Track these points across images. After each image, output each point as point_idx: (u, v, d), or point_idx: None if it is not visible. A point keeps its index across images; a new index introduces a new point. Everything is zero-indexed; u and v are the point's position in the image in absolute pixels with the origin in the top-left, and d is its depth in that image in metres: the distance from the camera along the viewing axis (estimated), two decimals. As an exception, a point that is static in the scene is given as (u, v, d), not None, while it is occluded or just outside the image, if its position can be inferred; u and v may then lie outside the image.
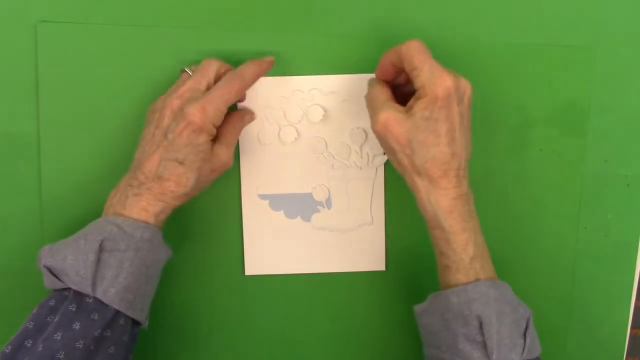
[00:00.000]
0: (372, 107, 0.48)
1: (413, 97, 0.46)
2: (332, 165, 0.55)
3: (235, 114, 0.52)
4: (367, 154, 0.55)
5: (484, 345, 0.44)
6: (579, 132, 0.56)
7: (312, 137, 0.55)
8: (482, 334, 0.44)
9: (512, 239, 0.57)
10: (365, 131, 0.55)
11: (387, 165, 0.55)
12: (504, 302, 0.46)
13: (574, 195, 0.56)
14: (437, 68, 0.45)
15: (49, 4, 0.53)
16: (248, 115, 0.54)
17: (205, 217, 0.56)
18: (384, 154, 0.55)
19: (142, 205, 0.48)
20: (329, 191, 0.56)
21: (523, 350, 0.45)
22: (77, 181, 0.55)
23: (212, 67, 0.50)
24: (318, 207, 0.56)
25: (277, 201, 0.56)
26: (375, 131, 0.47)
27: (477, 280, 0.46)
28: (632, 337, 0.59)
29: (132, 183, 0.49)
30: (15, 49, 0.53)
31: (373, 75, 0.52)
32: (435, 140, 0.45)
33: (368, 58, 0.54)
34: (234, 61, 0.53)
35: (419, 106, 0.45)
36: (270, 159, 0.55)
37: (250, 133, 0.55)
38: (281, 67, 0.54)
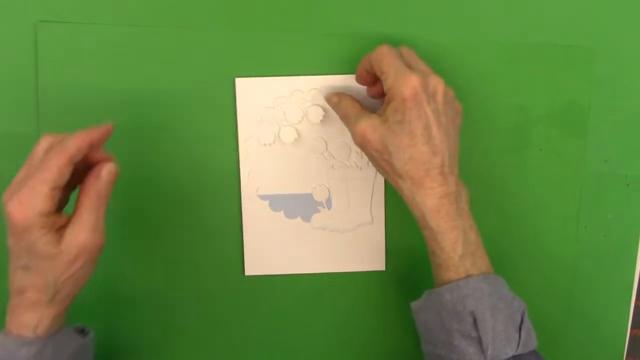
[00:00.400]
0: (347, 123, 0.49)
1: (384, 102, 0.47)
2: (332, 166, 0.55)
3: (89, 176, 0.45)
4: (367, 154, 0.55)
5: (479, 341, 0.44)
6: (579, 132, 0.56)
7: (312, 138, 0.55)
8: (477, 330, 0.44)
9: (512, 239, 0.57)
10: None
11: (387, 165, 0.55)
12: (498, 297, 0.45)
13: (574, 195, 0.57)
14: (402, 70, 0.45)
15: (49, 4, 0.53)
16: (105, 171, 0.45)
17: (205, 218, 0.56)
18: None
19: (20, 320, 0.44)
20: (329, 191, 0.56)
21: (518, 344, 0.45)
22: (77, 181, 0.55)
23: (41, 146, 0.44)
24: (318, 207, 0.56)
25: (277, 201, 0.56)
26: (356, 144, 0.48)
27: (468, 277, 0.46)
28: (632, 337, 0.59)
29: (11, 295, 0.45)
30: (15, 49, 0.53)
31: (334, 91, 0.53)
32: (411, 141, 0.45)
33: (368, 58, 0.54)
34: (233, 61, 0.53)
35: (389, 110, 0.46)
36: (271, 160, 0.55)
37: (250, 134, 0.55)
38: (281, 67, 0.54)
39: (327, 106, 0.54)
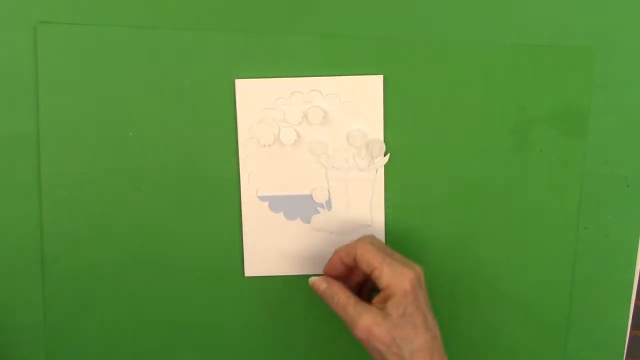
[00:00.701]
0: (346, 313, 0.49)
1: (379, 297, 0.48)
2: (332, 167, 0.55)
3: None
4: (367, 155, 0.55)
5: None
6: (579, 132, 0.55)
7: (312, 139, 0.55)
8: None
9: (512, 240, 0.57)
10: (365, 133, 0.54)
11: (387, 167, 0.55)
12: None
13: (574, 196, 0.56)
14: (395, 265, 0.48)
15: (49, 5, 0.53)
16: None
17: (204, 218, 0.56)
18: (385, 156, 0.55)
19: None
20: (328, 193, 0.56)
21: None
22: (76, 182, 0.55)
23: None
24: (318, 208, 0.56)
25: (277, 202, 0.56)
26: (356, 336, 0.48)
27: None
28: (632, 337, 0.59)
29: None
30: (15, 49, 0.53)
31: (314, 280, 0.52)
32: (415, 332, 0.47)
33: (368, 59, 0.54)
34: (233, 62, 0.53)
35: (392, 305, 0.47)
36: (270, 161, 0.55)
37: (249, 135, 0.55)
38: (281, 68, 0.54)
39: (327, 107, 0.54)
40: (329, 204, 0.56)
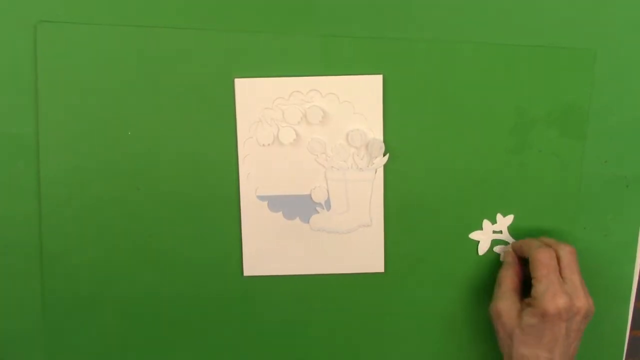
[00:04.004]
0: (497, 290, 0.54)
1: (529, 298, 0.51)
2: (331, 167, 0.55)
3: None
4: (367, 155, 0.55)
5: None
6: (579, 133, 0.55)
7: (311, 139, 0.55)
8: None
9: (512, 240, 0.57)
10: (364, 133, 0.54)
11: (387, 167, 0.55)
12: None
13: (574, 196, 0.56)
14: (554, 286, 0.49)
15: (49, 4, 0.53)
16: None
17: (204, 218, 0.56)
18: (384, 156, 0.55)
19: None
20: (327, 193, 0.56)
21: None
22: (76, 181, 0.55)
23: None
24: (317, 208, 0.56)
25: (276, 202, 0.56)
26: (489, 311, 0.53)
27: None
28: (632, 338, 0.59)
29: None
30: (15, 49, 0.53)
31: (508, 249, 0.56)
32: (535, 344, 0.49)
33: (368, 58, 0.54)
34: (233, 61, 0.53)
35: (528, 313, 0.50)
36: (269, 160, 0.55)
37: (249, 134, 0.55)
38: (280, 67, 0.54)
39: (326, 107, 0.54)
40: (328, 204, 0.56)
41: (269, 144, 0.55)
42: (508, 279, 0.53)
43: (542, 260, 0.50)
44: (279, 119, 0.54)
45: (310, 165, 0.55)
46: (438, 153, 0.55)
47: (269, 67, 0.54)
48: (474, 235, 0.56)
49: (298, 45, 0.54)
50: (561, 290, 0.49)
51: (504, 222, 0.56)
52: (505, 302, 0.52)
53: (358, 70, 0.54)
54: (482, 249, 0.57)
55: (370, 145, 0.55)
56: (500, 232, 0.56)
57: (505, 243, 0.56)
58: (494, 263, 0.57)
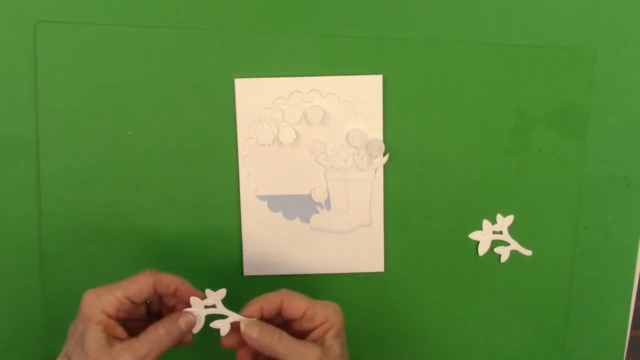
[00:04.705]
0: (293, 350, 0.46)
1: (315, 334, 0.47)
2: (331, 167, 0.55)
3: (171, 315, 0.47)
4: (367, 155, 0.55)
5: None
6: (579, 133, 0.55)
7: (311, 139, 0.55)
8: None
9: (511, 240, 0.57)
10: (364, 133, 0.54)
11: (386, 167, 0.55)
12: None
13: (574, 196, 0.56)
14: (323, 302, 0.48)
15: (48, 4, 0.53)
16: (184, 321, 0.46)
17: (204, 218, 0.56)
18: (384, 156, 0.55)
19: None
20: (327, 192, 0.56)
21: None
22: (76, 182, 0.55)
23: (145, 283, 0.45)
24: (317, 208, 0.56)
25: (276, 202, 0.56)
26: None
27: None
28: (632, 338, 0.59)
29: None
30: (15, 49, 0.53)
31: (244, 321, 0.47)
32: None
33: (368, 58, 0.54)
34: (233, 61, 0.53)
35: (333, 337, 0.47)
36: (269, 160, 0.55)
37: (249, 134, 0.55)
38: (280, 67, 0.54)
39: (326, 107, 0.54)
40: (327, 204, 0.56)
41: (269, 144, 0.55)
42: (285, 335, 0.46)
43: (294, 295, 0.48)
44: (279, 119, 0.54)
45: (310, 165, 0.55)
46: (438, 153, 0.55)
47: (269, 67, 0.54)
48: (474, 236, 0.56)
49: (298, 45, 0.54)
50: (326, 302, 0.48)
51: (504, 222, 0.56)
52: (315, 349, 0.45)
53: (358, 70, 0.54)
54: (482, 249, 0.57)
55: (370, 145, 0.55)
56: (500, 232, 0.56)
57: (506, 243, 0.56)
58: (494, 263, 0.57)
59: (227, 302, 0.57)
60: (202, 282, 0.57)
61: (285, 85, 0.54)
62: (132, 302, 0.45)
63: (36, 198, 0.55)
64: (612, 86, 0.55)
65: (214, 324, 0.48)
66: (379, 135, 0.55)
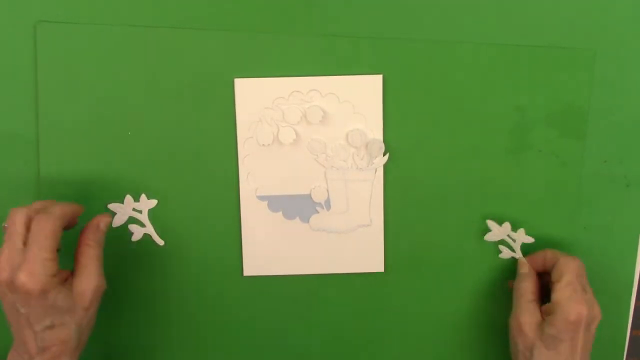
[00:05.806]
0: (517, 302, 0.53)
1: (547, 305, 0.51)
2: (331, 167, 0.55)
3: (88, 229, 0.50)
4: (367, 155, 0.55)
5: None
6: (579, 133, 0.55)
7: (311, 138, 0.55)
8: None
9: (512, 240, 0.57)
10: (364, 133, 0.54)
11: (386, 166, 0.55)
12: None
13: (574, 196, 0.56)
14: (577, 294, 0.49)
15: (48, 4, 0.53)
16: (103, 223, 0.51)
17: (203, 218, 0.56)
18: (384, 156, 0.55)
19: None
20: (327, 192, 0.56)
21: None
22: (76, 181, 0.55)
23: (19, 219, 0.47)
24: (317, 208, 0.56)
25: (276, 202, 0.56)
26: (510, 323, 0.53)
27: None
28: (632, 338, 0.59)
29: (23, 358, 0.47)
30: (15, 49, 0.53)
31: (524, 260, 0.55)
32: (555, 357, 0.49)
33: (368, 58, 0.54)
34: (233, 61, 0.53)
35: (549, 323, 0.50)
36: (269, 160, 0.55)
37: (249, 134, 0.55)
38: (280, 67, 0.54)
39: (326, 107, 0.54)
40: (327, 204, 0.56)
41: (269, 144, 0.55)
42: (528, 290, 0.53)
43: (573, 268, 0.51)
44: (278, 119, 0.54)
45: (310, 165, 0.55)
46: (438, 153, 0.55)
47: (269, 67, 0.54)
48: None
49: (298, 45, 0.54)
50: (583, 298, 0.49)
51: (502, 230, 0.56)
52: (527, 314, 0.51)
53: (358, 70, 0.54)
54: (482, 249, 0.57)
55: (370, 145, 0.55)
56: (496, 233, 0.56)
57: (505, 244, 0.56)
58: (494, 263, 0.57)
59: (227, 302, 0.57)
60: (202, 282, 0.57)
61: (285, 85, 0.54)
62: (56, 251, 0.47)
63: (36, 198, 0.55)
64: (612, 86, 0.55)
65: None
66: (379, 135, 0.55)
